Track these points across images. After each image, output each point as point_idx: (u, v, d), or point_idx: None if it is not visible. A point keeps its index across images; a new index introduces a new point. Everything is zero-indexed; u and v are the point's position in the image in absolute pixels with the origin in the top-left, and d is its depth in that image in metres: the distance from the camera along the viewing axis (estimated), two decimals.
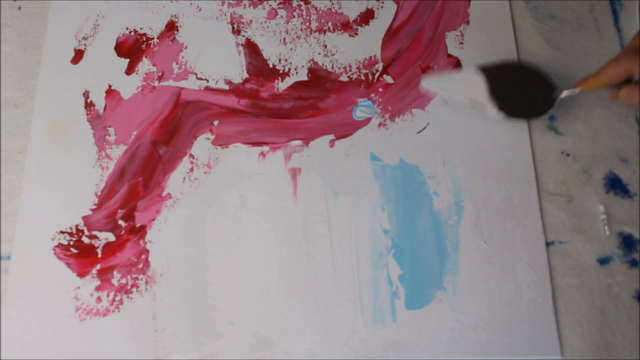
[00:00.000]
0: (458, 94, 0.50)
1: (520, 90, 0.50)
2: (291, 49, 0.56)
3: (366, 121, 0.53)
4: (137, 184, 0.51)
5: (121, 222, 0.50)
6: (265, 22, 0.57)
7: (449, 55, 0.55)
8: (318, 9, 0.57)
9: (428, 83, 0.50)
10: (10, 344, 0.47)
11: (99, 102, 0.54)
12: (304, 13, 0.57)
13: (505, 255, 0.48)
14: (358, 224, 0.49)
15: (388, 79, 0.54)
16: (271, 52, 0.56)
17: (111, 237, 0.50)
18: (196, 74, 0.55)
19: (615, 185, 0.50)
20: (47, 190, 0.51)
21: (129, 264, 0.49)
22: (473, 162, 0.51)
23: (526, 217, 0.49)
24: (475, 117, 0.52)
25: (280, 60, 0.55)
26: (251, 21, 0.57)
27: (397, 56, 0.55)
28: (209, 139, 0.53)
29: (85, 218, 0.50)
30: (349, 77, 0.54)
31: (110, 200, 0.51)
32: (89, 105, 0.54)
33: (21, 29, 0.57)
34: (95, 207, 0.51)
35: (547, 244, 0.48)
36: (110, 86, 0.55)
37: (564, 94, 0.49)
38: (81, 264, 0.49)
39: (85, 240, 0.50)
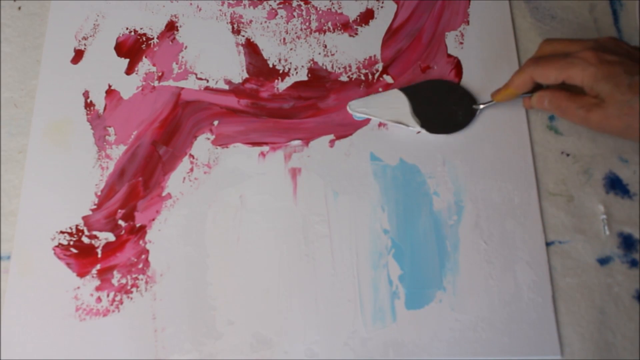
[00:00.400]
0: (382, 115, 0.52)
1: (442, 107, 0.52)
2: (291, 49, 0.56)
3: (366, 121, 0.53)
4: (137, 184, 0.51)
5: (121, 222, 0.50)
6: (265, 22, 0.57)
7: (449, 55, 0.55)
8: (318, 9, 0.57)
9: (353, 107, 0.52)
10: (10, 344, 0.47)
11: (99, 102, 0.54)
12: (304, 13, 0.57)
13: (505, 255, 0.48)
14: (358, 224, 0.49)
15: (388, 79, 0.54)
16: (271, 52, 0.56)
17: (111, 237, 0.50)
18: (196, 74, 0.55)
19: (615, 185, 0.50)
20: (47, 190, 0.51)
21: (129, 264, 0.49)
22: (473, 162, 0.51)
23: (526, 217, 0.49)
24: (474, 117, 0.52)
25: (280, 60, 0.55)
26: (251, 21, 0.57)
27: (397, 56, 0.55)
28: (209, 139, 0.53)
29: (85, 218, 0.50)
30: (349, 77, 0.54)
31: (110, 200, 0.51)
32: (89, 105, 0.54)
33: (21, 29, 0.57)
34: (95, 207, 0.51)
35: (547, 244, 0.48)
36: (110, 86, 0.55)
37: (481, 106, 0.52)
38: (81, 264, 0.49)
39: (85, 240, 0.50)
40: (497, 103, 0.51)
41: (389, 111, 0.52)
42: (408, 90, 0.52)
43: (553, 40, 0.49)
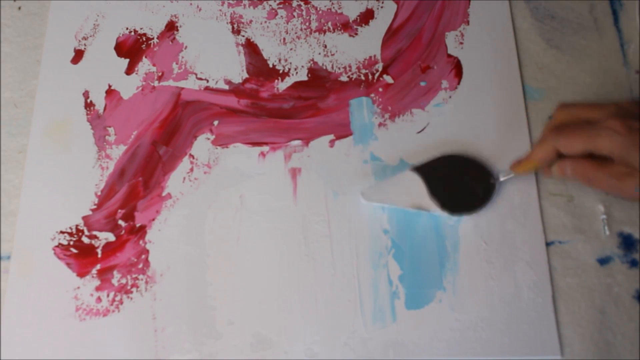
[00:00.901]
0: (399, 202, 0.49)
1: (459, 184, 0.49)
2: (291, 49, 0.56)
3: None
4: (137, 184, 0.51)
5: (121, 222, 0.50)
6: (265, 22, 0.57)
7: (449, 55, 0.55)
8: (318, 9, 0.57)
9: (367, 197, 0.49)
10: (10, 344, 0.47)
11: (99, 102, 0.54)
12: (304, 13, 0.57)
13: (505, 255, 0.48)
14: (358, 224, 0.49)
15: (388, 79, 0.54)
16: (271, 52, 0.56)
17: (111, 237, 0.50)
18: (196, 74, 0.55)
19: None
20: (47, 190, 0.51)
21: (129, 264, 0.49)
22: None
23: (526, 217, 0.49)
24: (474, 117, 0.52)
25: (280, 60, 0.55)
26: (251, 21, 0.57)
27: (397, 56, 0.55)
28: (209, 139, 0.53)
29: (85, 218, 0.50)
30: (349, 77, 0.54)
31: (110, 200, 0.51)
32: (89, 105, 0.54)
33: (21, 29, 0.57)
34: (95, 207, 0.51)
35: (547, 244, 0.48)
36: (110, 86, 0.55)
37: (501, 179, 0.49)
38: (81, 264, 0.49)
39: (85, 240, 0.50)
40: (515, 175, 0.49)
41: (405, 196, 0.49)
42: (422, 170, 0.49)
43: (569, 106, 0.47)
